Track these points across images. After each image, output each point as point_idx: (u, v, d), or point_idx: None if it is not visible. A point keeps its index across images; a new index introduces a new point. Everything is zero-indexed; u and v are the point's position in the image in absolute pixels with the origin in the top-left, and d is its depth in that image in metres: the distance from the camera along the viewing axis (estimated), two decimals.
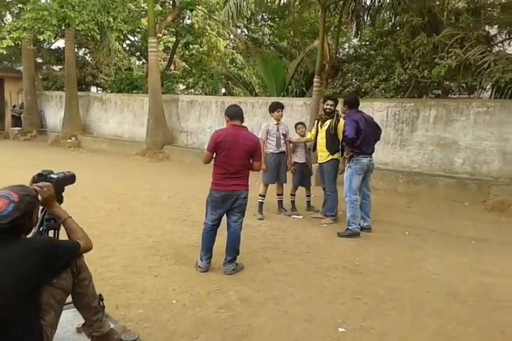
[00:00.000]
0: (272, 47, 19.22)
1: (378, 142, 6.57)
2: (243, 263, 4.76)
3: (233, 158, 4.41)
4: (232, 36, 20.62)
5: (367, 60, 11.45)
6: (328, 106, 6.55)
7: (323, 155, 6.60)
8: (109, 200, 7.60)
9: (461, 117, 8.66)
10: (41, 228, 2.61)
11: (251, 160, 4.54)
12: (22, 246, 2.20)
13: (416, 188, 8.75)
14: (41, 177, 2.59)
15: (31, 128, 17.98)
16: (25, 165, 9.94)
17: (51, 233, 2.60)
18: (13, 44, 12.19)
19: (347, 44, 16.82)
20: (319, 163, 6.70)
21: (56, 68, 22.09)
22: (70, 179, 2.80)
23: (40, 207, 2.58)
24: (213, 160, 4.53)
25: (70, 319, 2.82)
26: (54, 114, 18.39)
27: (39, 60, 20.62)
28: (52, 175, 2.61)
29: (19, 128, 18.31)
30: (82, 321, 2.63)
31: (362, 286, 4.33)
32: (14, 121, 18.95)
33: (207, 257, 4.58)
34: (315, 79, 10.52)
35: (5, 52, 13.40)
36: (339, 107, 6.63)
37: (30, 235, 2.41)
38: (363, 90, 10.44)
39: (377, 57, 10.46)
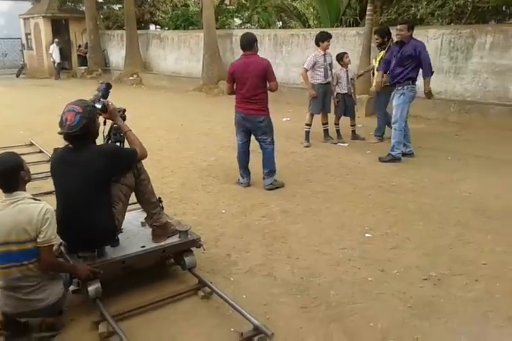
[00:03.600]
0: None
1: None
2: (284, 181, 5.26)
3: (246, 84, 4.89)
4: None
5: None
6: (376, 40, 7.01)
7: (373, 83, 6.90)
8: (168, 131, 8.26)
9: None
10: (109, 141, 3.19)
11: (267, 84, 4.94)
12: (96, 150, 2.81)
13: (468, 117, 8.72)
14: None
15: (96, 66, 18.86)
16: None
17: (117, 144, 3.17)
18: None
19: None
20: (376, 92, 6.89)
21: (116, 7, 22.50)
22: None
23: (108, 124, 3.16)
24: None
25: (135, 217, 3.47)
26: (116, 53, 19.08)
27: (100, 0, 21.06)
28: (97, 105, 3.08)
29: (85, 67, 19.27)
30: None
31: (394, 202, 4.73)
32: (80, 60, 19.92)
33: (246, 175, 5.24)
34: (368, 7, 10.25)
35: None
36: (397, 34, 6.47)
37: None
38: (419, 17, 10.15)
39: None
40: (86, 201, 2.71)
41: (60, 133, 2.76)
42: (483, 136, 7.78)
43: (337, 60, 7.17)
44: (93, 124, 2.79)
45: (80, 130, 2.68)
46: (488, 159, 6.34)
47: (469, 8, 9.47)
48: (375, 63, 7.12)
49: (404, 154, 6.35)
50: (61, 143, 2.90)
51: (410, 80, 6.04)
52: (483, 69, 8.87)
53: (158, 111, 10.32)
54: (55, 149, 2.92)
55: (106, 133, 3.23)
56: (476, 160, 6.31)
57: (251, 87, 4.90)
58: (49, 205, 2.49)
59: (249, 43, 4.95)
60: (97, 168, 2.70)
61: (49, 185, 4.64)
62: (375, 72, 6.99)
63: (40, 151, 6.66)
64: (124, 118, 3.25)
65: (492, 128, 8.21)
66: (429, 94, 6.17)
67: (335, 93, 7.18)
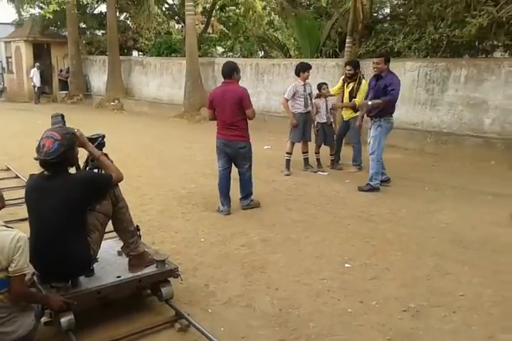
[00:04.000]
0: (309, 8, 18.99)
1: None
2: (262, 207, 5.32)
3: (225, 111, 5.04)
4: None
5: (403, 19, 11.34)
6: (347, 72, 7.22)
7: (347, 113, 7.09)
8: (148, 157, 8.23)
9: (492, 77, 8.64)
10: (87, 167, 3.15)
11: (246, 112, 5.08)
12: (71, 177, 2.76)
13: (444, 148, 8.91)
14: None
15: (77, 91, 18.85)
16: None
17: (95, 171, 3.14)
18: (58, 8, 12.71)
19: (383, 3, 16.44)
20: (344, 121, 7.11)
21: (99, 33, 22.67)
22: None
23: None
24: None
25: (112, 245, 3.41)
26: (98, 78, 19.11)
27: (83, 25, 21.20)
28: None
29: (66, 92, 19.22)
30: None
31: (373, 232, 4.75)
32: (61, 85, 19.87)
33: (226, 202, 5.26)
34: (347, 40, 10.56)
35: (51, 17, 13.95)
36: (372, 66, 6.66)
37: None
38: (396, 50, 10.44)
39: (412, 17, 10.39)
40: (61, 230, 2.66)
41: (36, 159, 2.73)
42: (459, 167, 7.94)
43: (317, 89, 7.31)
44: (71, 152, 2.75)
45: (56, 157, 2.64)
46: (464, 190, 6.45)
47: (444, 42, 9.77)
48: (345, 94, 7.31)
49: (381, 181, 6.43)
50: (38, 168, 2.86)
51: (386, 112, 6.17)
52: (458, 101, 9.13)
53: (138, 137, 10.29)
54: (31, 175, 2.87)
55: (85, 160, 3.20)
56: (452, 190, 6.41)
57: (230, 114, 5.04)
58: (22, 233, 2.42)
59: (229, 72, 5.11)
60: (73, 196, 2.66)
61: (24, 211, 4.52)
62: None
63: (17, 176, 6.54)
64: (103, 145, 3.23)
65: (467, 159, 8.39)
66: (360, 106, 6.69)
67: (315, 122, 7.29)
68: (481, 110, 8.83)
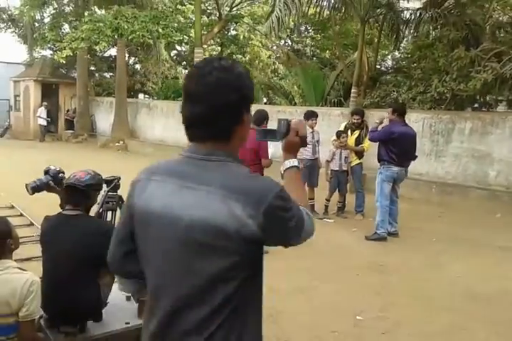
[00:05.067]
0: (313, 58, 19.63)
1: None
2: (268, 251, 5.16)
3: (244, 155, 5.04)
4: (274, 47, 21.16)
5: (406, 72, 11.69)
6: (355, 121, 7.44)
7: (351, 159, 7.16)
8: None
9: (496, 130, 8.78)
10: (100, 209, 3.12)
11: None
12: (94, 222, 2.75)
13: (449, 199, 8.90)
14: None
15: (82, 131, 19.06)
16: (77, 164, 10.68)
17: (109, 213, 3.10)
18: (71, 54, 13.11)
19: (389, 56, 17.02)
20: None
21: (107, 75, 23.24)
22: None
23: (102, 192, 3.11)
24: None
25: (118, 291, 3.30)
26: (104, 119, 19.37)
27: (92, 67, 21.77)
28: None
29: (71, 132, 19.43)
30: None
31: (383, 283, 4.65)
32: (67, 124, 20.10)
33: None
34: (353, 90, 10.84)
35: (65, 63, 14.33)
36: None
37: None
38: (401, 101, 10.66)
39: (416, 71, 10.70)
40: (75, 273, 2.58)
41: (65, 187, 2.77)
42: (465, 218, 7.89)
43: (336, 136, 7.38)
44: (93, 193, 2.77)
45: (85, 186, 2.66)
46: (471, 242, 6.36)
47: (449, 95, 10.00)
48: (351, 142, 7.43)
49: (389, 233, 6.37)
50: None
51: (385, 161, 6.28)
52: (463, 153, 9.22)
53: None
54: (47, 217, 2.82)
55: (99, 201, 3.17)
56: (459, 242, 6.33)
57: (247, 159, 5.08)
58: (35, 277, 2.36)
59: (261, 120, 5.41)
60: (93, 243, 2.56)
61: (28, 250, 4.48)
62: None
63: (21, 215, 6.47)
64: (118, 186, 3.21)
65: (473, 210, 8.35)
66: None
67: (329, 170, 7.33)
68: (486, 162, 8.90)
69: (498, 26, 10.25)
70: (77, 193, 2.68)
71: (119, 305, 3.09)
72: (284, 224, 1.33)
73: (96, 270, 2.67)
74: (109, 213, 3.10)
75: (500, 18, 10.66)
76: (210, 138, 1.35)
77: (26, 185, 3.13)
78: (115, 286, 3.03)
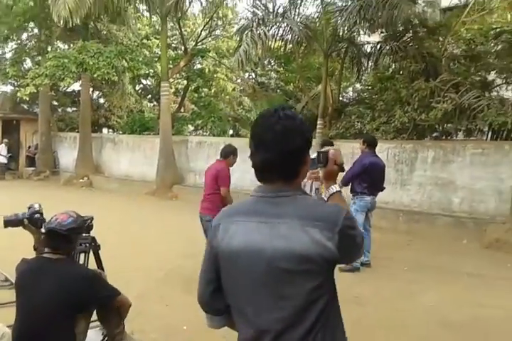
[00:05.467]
0: (278, 91, 20.02)
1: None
2: None
3: (206, 184, 5.52)
4: (239, 80, 21.50)
5: (368, 103, 12.05)
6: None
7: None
8: (120, 236, 7.96)
9: (457, 158, 9.08)
10: (72, 251, 3.01)
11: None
12: (77, 270, 2.66)
13: (416, 226, 9.05)
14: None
15: (44, 168, 18.61)
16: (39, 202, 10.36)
17: (82, 255, 3.00)
18: (35, 90, 12.94)
19: (350, 88, 17.52)
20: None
21: (70, 110, 22.95)
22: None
23: None
24: None
25: (96, 335, 3.18)
26: (67, 155, 19.02)
27: (55, 103, 21.50)
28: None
29: (33, 169, 18.95)
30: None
31: (358, 314, 4.61)
32: (28, 161, 19.64)
33: None
34: (318, 122, 11.07)
35: (27, 99, 14.13)
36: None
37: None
38: (365, 132, 10.94)
39: (378, 103, 11.04)
40: (52, 320, 2.46)
41: (44, 232, 2.70)
42: (433, 246, 8.02)
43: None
44: (75, 236, 2.70)
45: (67, 231, 2.58)
46: (441, 269, 6.46)
47: (411, 125, 10.33)
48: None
49: (362, 264, 6.39)
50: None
51: (358, 192, 6.42)
52: (427, 181, 9.46)
53: (107, 215, 10.05)
54: (24, 259, 2.71)
55: None
56: (429, 270, 6.40)
57: (207, 187, 5.50)
58: (5, 328, 2.23)
59: (226, 153, 5.63)
60: (74, 288, 2.51)
61: None
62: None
63: None
64: (91, 227, 3.13)
65: (440, 237, 8.50)
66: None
67: None
68: (450, 190, 9.15)
69: (452, 58, 10.78)
70: (59, 238, 2.61)
71: None
72: (353, 241, 1.54)
73: (73, 316, 2.56)
74: (82, 255, 3.00)
75: (455, 51, 11.23)
76: (280, 179, 1.52)
77: (3, 217, 3.04)
78: (90, 332, 2.92)
